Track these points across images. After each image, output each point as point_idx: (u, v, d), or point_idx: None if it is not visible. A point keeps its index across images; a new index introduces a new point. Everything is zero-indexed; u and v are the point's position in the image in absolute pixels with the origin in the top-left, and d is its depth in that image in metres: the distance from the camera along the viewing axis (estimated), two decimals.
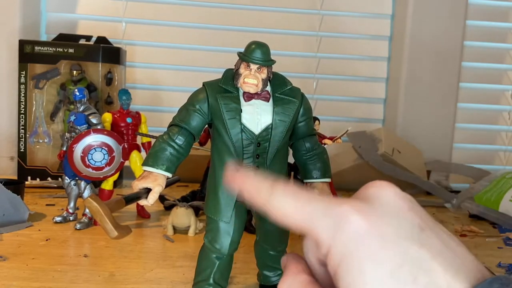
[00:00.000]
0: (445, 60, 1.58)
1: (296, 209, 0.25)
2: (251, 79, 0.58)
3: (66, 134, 0.98)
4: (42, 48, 1.28)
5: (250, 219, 0.91)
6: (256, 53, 0.59)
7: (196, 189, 1.16)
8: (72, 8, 1.53)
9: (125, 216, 1.05)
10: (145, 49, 1.56)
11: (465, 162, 1.57)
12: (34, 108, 1.30)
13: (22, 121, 1.30)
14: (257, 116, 0.59)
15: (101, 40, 1.35)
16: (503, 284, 0.22)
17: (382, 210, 0.25)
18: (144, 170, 0.58)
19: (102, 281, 0.70)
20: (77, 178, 0.96)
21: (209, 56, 1.57)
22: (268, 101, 0.60)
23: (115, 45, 1.36)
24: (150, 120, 1.13)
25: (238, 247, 0.63)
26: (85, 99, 0.98)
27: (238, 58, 0.60)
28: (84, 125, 0.95)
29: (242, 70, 0.59)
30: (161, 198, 1.09)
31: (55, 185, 1.27)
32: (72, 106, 1.27)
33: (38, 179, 1.29)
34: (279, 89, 0.61)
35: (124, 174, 1.33)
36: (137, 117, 1.05)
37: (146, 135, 1.05)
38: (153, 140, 0.89)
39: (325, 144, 0.92)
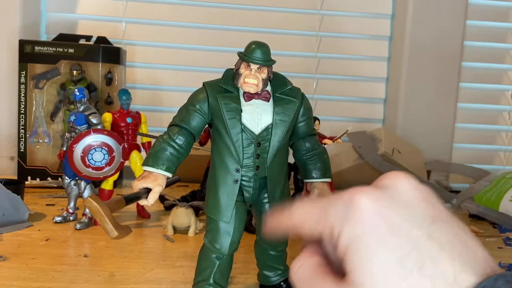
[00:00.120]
0: (445, 60, 1.58)
1: (312, 208, 0.27)
2: (252, 79, 0.58)
3: (66, 134, 0.98)
4: (42, 48, 1.28)
5: (250, 219, 0.91)
6: (256, 53, 0.59)
7: (196, 189, 1.16)
8: (72, 8, 1.53)
9: (125, 216, 1.05)
10: (145, 49, 1.56)
11: (465, 162, 1.57)
12: (34, 108, 1.30)
13: (22, 121, 1.30)
14: (257, 116, 0.59)
15: (101, 40, 1.35)
16: (508, 281, 0.22)
17: (395, 198, 0.25)
18: (144, 170, 0.58)
19: (102, 281, 0.70)
20: (77, 178, 0.96)
21: (209, 56, 1.57)
22: (268, 101, 0.60)
23: (115, 45, 1.36)
24: (150, 120, 1.13)
25: (238, 247, 0.62)
26: (85, 99, 0.98)
27: (238, 58, 0.60)
28: (84, 125, 0.95)
29: (242, 70, 0.59)
30: (161, 198, 1.09)
31: (55, 185, 1.27)
32: (72, 106, 1.27)
33: (38, 179, 1.29)
34: (279, 89, 0.61)
35: (124, 174, 1.33)
36: (137, 117, 1.05)
37: (146, 135, 1.05)
38: (153, 140, 0.89)
39: (325, 144, 0.92)
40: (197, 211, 1.00)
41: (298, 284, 0.28)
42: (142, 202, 0.57)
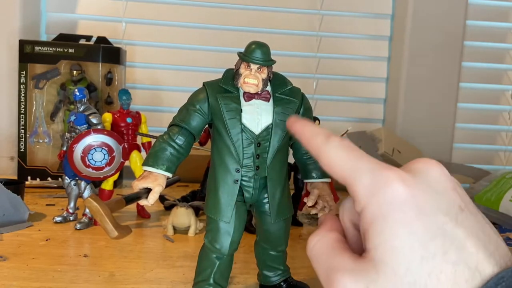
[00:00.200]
0: (445, 60, 1.58)
1: (345, 162, 0.26)
2: (252, 79, 0.58)
3: (66, 134, 0.98)
4: (42, 48, 1.28)
5: (250, 219, 0.91)
6: (256, 53, 0.59)
7: (196, 189, 1.16)
8: (72, 8, 1.53)
9: (125, 216, 1.05)
10: (145, 49, 1.56)
11: (465, 162, 1.57)
12: (34, 108, 1.30)
13: (22, 121, 1.30)
14: (258, 116, 0.59)
15: (101, 40, 1.35)
16: None
17: (426, 184, 0.25)
18: (144, 170, 0.58)
19: (102, 281, 0.70)
20: (77, 178, 0.96)
21: (209, 56, 1.57)
22: (268, 101, 0.60)
23: (115, 45, 1.36)
24: (150, 120, 1.13)
25: (238, 247, 0.62)
26: (85, 99, 0.98)
27: (238, 58, 0.60)
28: (84, 125, 0.95)
29: (242, 70, 0.59)
30: (161, 198, 1.09)
31: (55, 185, 1.27)
32: (72, 106, 1.27)
33: (38, 179, 1.29)
34: (279, 89, 0.61)
35: (124, 174, 1.33)
36: (137, 117, 1.05)
37: (146, 135, 1.05)
38: (153, 140, 0.89)
39: None
40: (197, 211, 1.00)
41: (314, 260, 0.27)
42: (142, 202, 0.57)
